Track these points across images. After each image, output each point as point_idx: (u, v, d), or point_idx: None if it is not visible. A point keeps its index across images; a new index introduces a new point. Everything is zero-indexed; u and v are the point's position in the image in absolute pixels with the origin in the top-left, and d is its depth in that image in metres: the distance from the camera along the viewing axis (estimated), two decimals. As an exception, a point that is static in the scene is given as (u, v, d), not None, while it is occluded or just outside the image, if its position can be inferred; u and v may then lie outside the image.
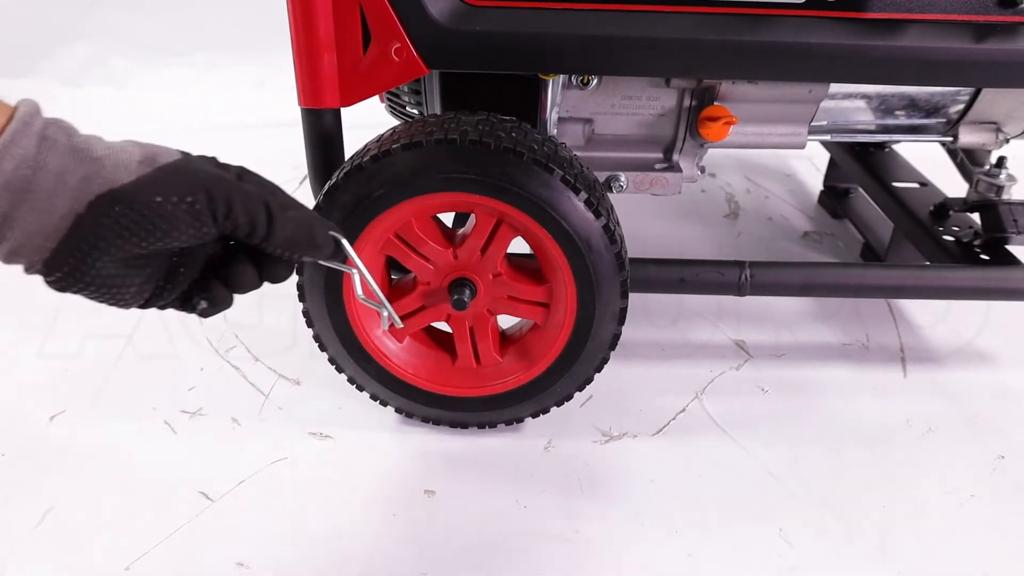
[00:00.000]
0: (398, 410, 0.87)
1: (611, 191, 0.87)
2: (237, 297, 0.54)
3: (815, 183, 1.54)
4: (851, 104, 0.93)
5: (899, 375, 1.00)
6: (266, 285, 0.57)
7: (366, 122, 1.06)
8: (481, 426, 0.87)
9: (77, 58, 2.09)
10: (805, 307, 1.14)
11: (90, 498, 0.79)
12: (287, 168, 1.56)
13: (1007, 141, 0.98)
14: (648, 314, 1.10)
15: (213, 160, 0.51)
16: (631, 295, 0.76)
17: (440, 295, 0.78)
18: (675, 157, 0.89)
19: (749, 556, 0.74)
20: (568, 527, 0.77)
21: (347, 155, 0.77)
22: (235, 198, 0.48)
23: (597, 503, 0.80)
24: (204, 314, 0.53)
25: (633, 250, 0.82)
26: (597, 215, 0.71)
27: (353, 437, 0.87)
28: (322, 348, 0.82)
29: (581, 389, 0.82)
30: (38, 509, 0.77)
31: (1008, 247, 0.97)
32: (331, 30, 0.69)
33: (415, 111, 0.93)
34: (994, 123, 0.96)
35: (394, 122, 0.89)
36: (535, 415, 0.85)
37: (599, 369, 0.80)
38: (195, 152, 0.50)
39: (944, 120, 0.96)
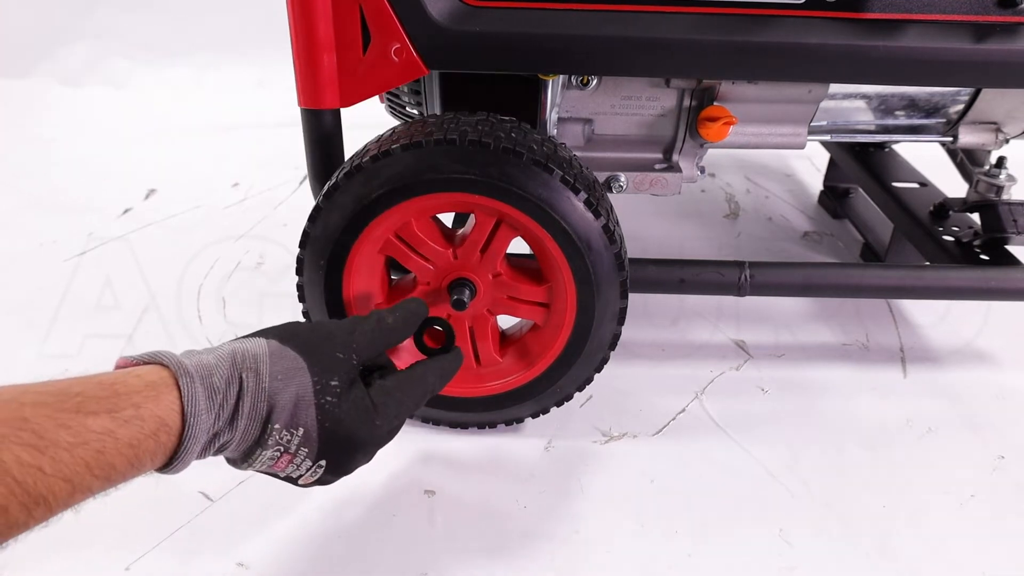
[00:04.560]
0: (398, 410, 0.87)
1: (611, 191, 0.87)
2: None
3: (815, 183, 1.54)
4: (851, 104, 0.93)
5: (899, 375, 1.00)
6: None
7: (366, 122, 1.06)
8: (481, 426, 0.87)
9: (77, 58, 2.10)
10: (805, 307, 1.14)
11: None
12: (287, 168, 1.56)
13: (1007, 141, 0.98)
14: (648, 314, 1.10)
15: None
16: (631, 295, 0.76)
17: (440, 295, 0.78)
18: (675, 157, 0.89)
19: (749, 556, 0.74)
20: (568, 527, 0.77)
21: (347, 155, 0.77)
22: None
23: (597, 503, 0.80)
24: None
25: (633, 250, 0.82)
26: (596, 215, 0.71)
27: (353, 437, 0.87)
28: (322, 348, 0.82)
29: (581, 389, 0.82)
30: (38, 509, 0.77)
31: (1008, 247, 0.97)
32: (331, 30, 0.69)
33: (415, 111, 0.93)
34: (994, 123, 0.96)
35: (394, 122, 0.89)
36: (535, 415, 0.85)
37: (599, 369, 0.80)
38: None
39: (944, 120, 0.96)
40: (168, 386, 0.46)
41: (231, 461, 0.54)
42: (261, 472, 0.55)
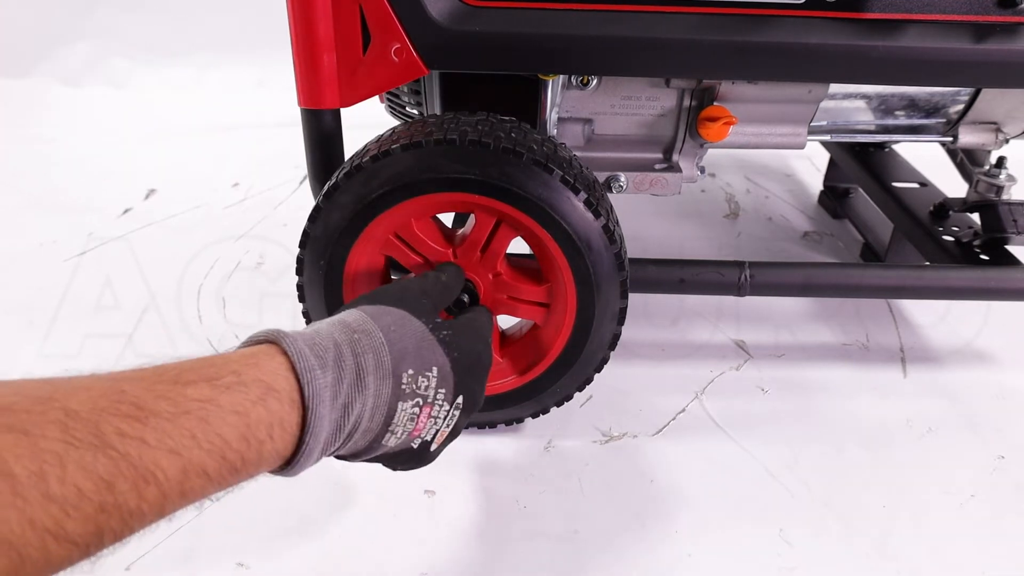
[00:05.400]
0: (398, 410, 0.87)
1: (611, 191, 0.87)
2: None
3: (815, 183, 1.54)
4: (851, 104, 0.93)
5: (899, 375, 1.00)
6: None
7: (366, 122, 1.06)
8: (481, 426, 0.87)
9: (77, 58, 2.10)
10: (805, 307, 1.14)
11: (90, 498, 0.79)
12: (287, 168, 1.56)
13: (1007, 141, 0.98)
14: (648, 314, 1.10)
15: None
16: (631, 295, 0.76)
17: (440, 295, 0.78)
18: (675, 157, 0.89)
19: (749, 556, 0.74)
20: (568, 527, 0.77)
21: (347, 155, 0.77)
22: None
23: (597, 503, 0.80)
24: None
25: (633, 250, 0.82)
26: (596, 215, 0.71)
27: (353, 437, 0.87)
28: (322, 348, 0.82)
29: (581, 389, 0.82)
30: (38, 509, 0.77)
31: (1008, 247, 0.97)
32: (331, 31, 0.69)
33: (415, 111, 0.93)
34: (994, 123, 0.96)
35: (394, 122, 0.89)
36: (535, 415, 0.85)
37: (599, 369, 0.80)
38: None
39: (944, 120, 0.96)
40: (268, 353, 0.44)
41: (358, 453, 0.51)
42: (395, 450, 0.53)
